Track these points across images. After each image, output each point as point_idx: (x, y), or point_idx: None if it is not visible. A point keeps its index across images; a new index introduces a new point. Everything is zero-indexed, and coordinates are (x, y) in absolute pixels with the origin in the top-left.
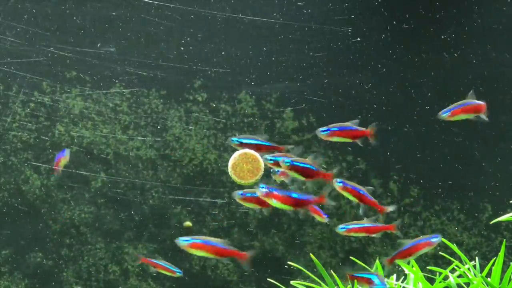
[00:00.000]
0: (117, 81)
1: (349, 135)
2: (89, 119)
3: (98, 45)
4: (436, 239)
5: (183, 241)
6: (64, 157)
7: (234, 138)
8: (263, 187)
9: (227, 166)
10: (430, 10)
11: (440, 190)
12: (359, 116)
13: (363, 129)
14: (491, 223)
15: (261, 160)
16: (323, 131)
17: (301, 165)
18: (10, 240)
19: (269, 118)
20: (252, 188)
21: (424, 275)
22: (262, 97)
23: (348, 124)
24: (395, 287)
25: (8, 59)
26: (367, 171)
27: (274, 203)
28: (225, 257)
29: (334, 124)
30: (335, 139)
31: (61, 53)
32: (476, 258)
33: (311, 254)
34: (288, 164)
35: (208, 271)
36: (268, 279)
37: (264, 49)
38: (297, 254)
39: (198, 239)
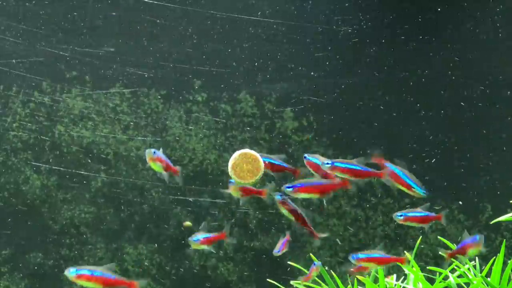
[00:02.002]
0: (117, 81)
1: (317, 191)
2: (89, 119)
3: (98, 45)
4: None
5: (70, 273)
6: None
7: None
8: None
9: (227, 166)
10: (430, 10)
11: (440, 190)
12: (362, 120)
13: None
14: (491, 223)
15: (261, 160)
16: (288, 187)
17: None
18: (10, 240)
19: (269, 118)
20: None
21: (424, 275)
22: (262, 97)
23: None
24: (395, 287)
25: (8, 59)
26: None
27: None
28: (114, 287)
29: (300, 181)
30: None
31: (61, 53)
32: (476, 258)
33: (311, 254)
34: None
35: (208, 271)
36: (268, 280)
37: (264, 49)
38: (297, 254)
39: (85, 269)
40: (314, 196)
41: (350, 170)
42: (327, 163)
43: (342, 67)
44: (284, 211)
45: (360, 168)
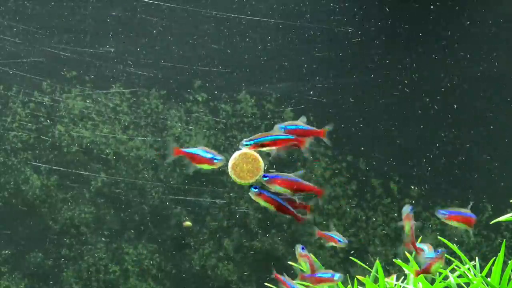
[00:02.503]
0: (117, 81)
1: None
2: (89, 119)
3: (98, 45)
4: None
5: None
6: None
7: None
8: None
9: (227, 166)
10: (430, 10)
11: (440, 190)
12: (362, 120)
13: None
14: (491, 223)
15: (261, 160)
16: (264, 176)
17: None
18: (10, 240)
19: (269, 118)
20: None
21: (424, 275)
22: (262, 97)
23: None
24: (395, 287)
25: (8, 59)
26: (367, 171)
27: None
28: None
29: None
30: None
31: (61, 53)
32: (476, 258)
33: (311, 254)
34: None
35: (208, 271)
36: (266, 284)
37: (264, 49)
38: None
39: None
40: (286, 191)
41: (272, 141)
42: (246, 144)
43: (342, 67)
44: (262, 202)
45: (279, 138)
